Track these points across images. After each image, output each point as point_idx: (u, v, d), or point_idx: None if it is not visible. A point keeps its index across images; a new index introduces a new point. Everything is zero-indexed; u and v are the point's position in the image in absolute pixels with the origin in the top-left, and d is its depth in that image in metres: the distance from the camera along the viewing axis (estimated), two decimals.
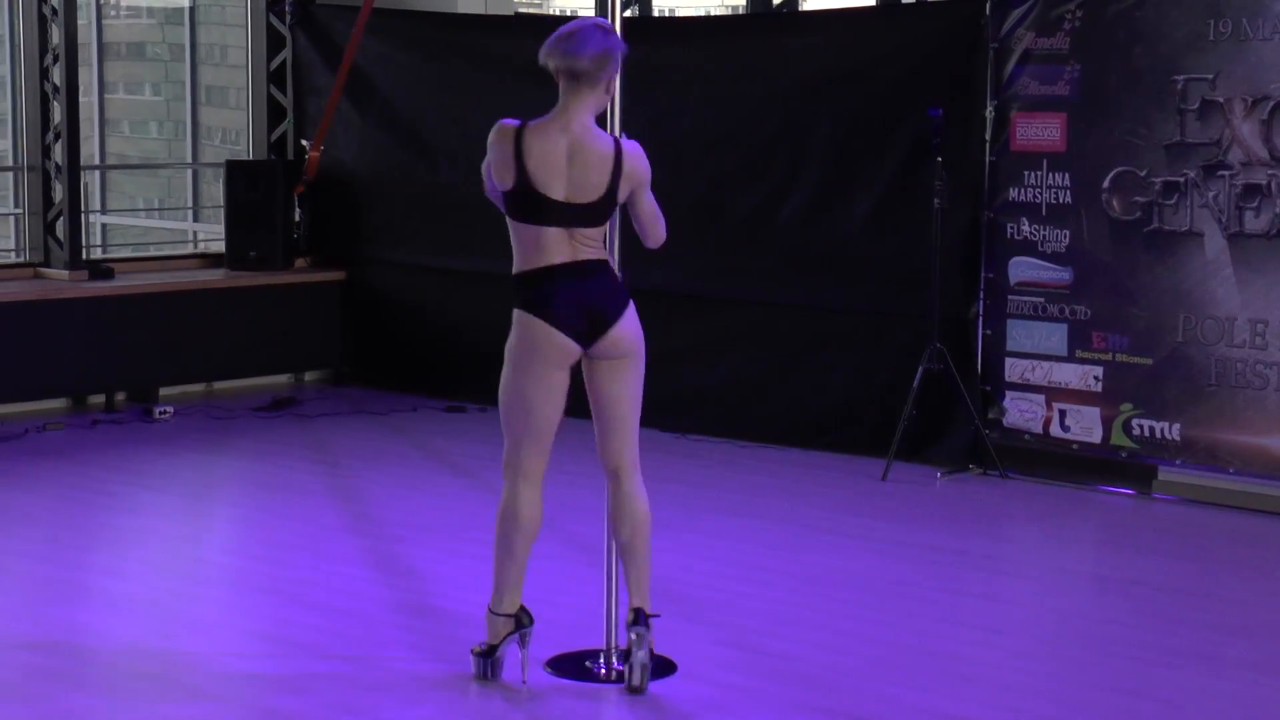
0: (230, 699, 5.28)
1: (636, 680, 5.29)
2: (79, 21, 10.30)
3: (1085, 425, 8.24)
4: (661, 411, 9.25)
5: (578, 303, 5.18)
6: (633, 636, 5.30)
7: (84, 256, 10.35)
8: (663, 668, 5.53)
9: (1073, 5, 8.14)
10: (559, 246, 5.18)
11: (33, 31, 10.09)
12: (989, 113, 8.42)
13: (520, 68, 10.06)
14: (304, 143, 10.94)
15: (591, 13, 12.28)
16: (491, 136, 5.23)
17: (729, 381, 9.38)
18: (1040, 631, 6.18)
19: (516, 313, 5.25)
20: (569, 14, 15.84)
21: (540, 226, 5.17)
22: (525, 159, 5.15)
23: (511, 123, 5.22)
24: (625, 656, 5.39)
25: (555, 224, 5.16)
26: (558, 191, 5.15)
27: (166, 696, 5.30)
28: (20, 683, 5.40)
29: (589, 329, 5.21)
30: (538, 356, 5.21)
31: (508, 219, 5.27)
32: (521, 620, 5.33)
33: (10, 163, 10.61)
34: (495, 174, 5.23)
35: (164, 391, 10.23)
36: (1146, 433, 8.06)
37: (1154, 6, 7.92)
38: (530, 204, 5.17)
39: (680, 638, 5.84)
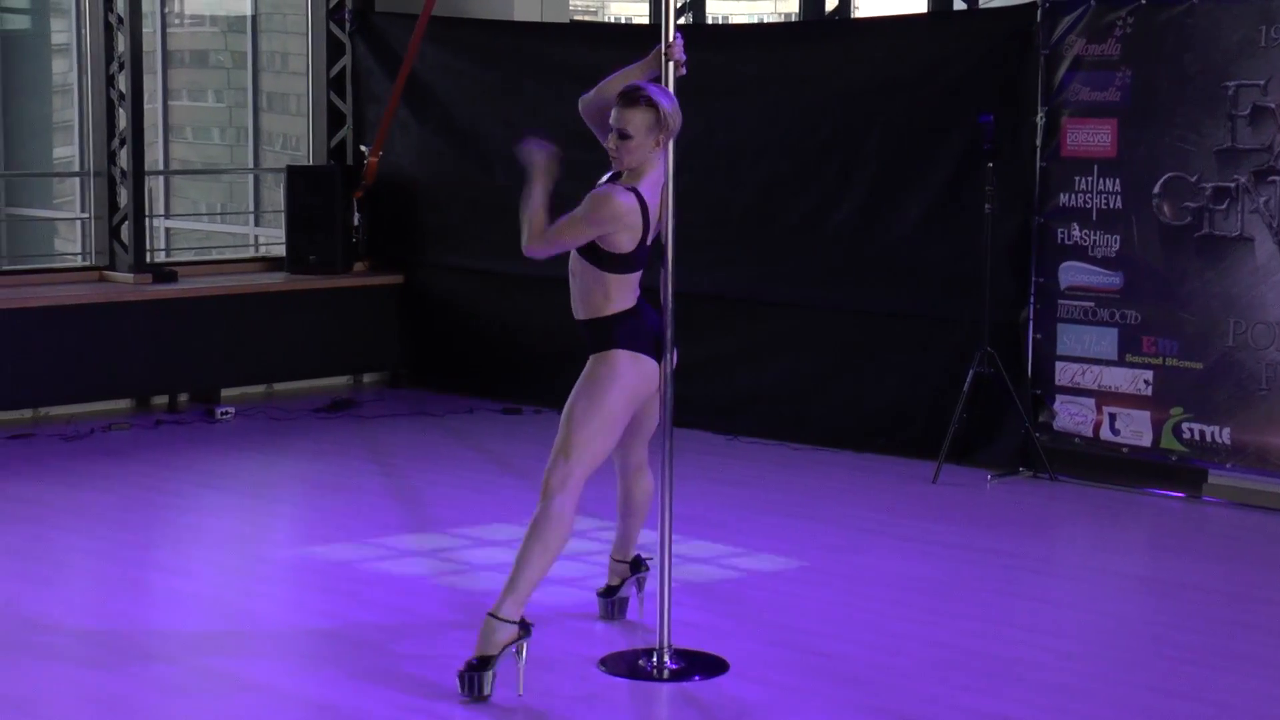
0: (290, 695, 5.38)
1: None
2: (144, 30, 10.47)
3: (1135, 429, 8.27)
4: (714, 414, 9.36)
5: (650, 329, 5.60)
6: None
7: (148, 260, 10.48)
8: (714, 667, 5.61)
9: (1124, 11, 8.17)
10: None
11: (99, 40, 10.25)
12: (1040, 119, 8.46)
13: (575, 74, 10.18)
14: (363, 148, 11.05)
15: (645, 20, 12.37)
16: (614, 208, 5.39)
17: (781, 384, 9.44)
18: (1092, 634, 6.21)
19: (624, 353, 5.48)
20: (624, 20, 15.93)
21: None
22: (649, 215, 5.49)
23: (622, 191, 5.44)
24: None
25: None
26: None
27: (227, 690, 5.40)
28: (83, 675, 5.53)
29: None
30: (642, 390, 5.54)
31: (610, 273, 5.48)
32: (525, 626, 5.37)
33: (77, 168, 10.76)
34: (618, 240, 5.43)
35: (225, 393, 10.36)
36: (1197, 436, 8.09)
37: (1205, 13, 7.94)
38: (651, 253, 5.55)
39: (732, 637, 5.92)
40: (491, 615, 5.31)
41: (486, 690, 5.26)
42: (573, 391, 5.52)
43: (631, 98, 5.42)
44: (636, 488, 5.94)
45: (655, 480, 5.85)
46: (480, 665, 5.27)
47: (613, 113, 5.47)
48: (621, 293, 5.53)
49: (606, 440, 5.48)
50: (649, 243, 5.53)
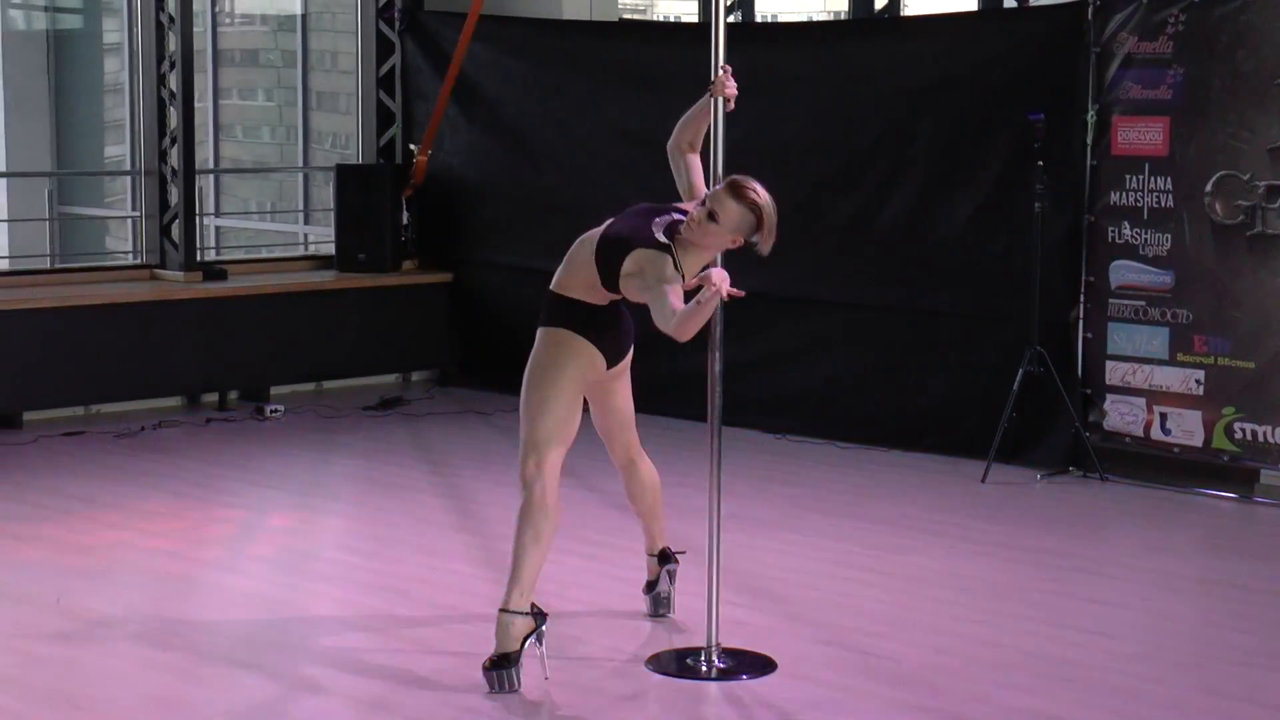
0: (339, 693, 5.40)
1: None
2: (195, 29, 10.54)
3: (1186, 429, 8.23)
4: (763, 413, 9.36)
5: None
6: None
7: (198, 258, 10.56)
8: (763, 666, 5.62)
9: (1176, 9, 8.13)
10: None
11: (150, 39, 10.32)
12: (1090, 117, 8.42)
13: (624, 72, 10.20)
14: (412, 147, 11.09)
15: (695, 19, 12.37)
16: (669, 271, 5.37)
17: (830, 383, 9.44)
18: (1143, 634, 6.19)
19: (562, 332, 5.58)
20: (673, 19, 15.92)
21: None
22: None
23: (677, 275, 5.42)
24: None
25: None
26: None
27: (277, 688, 5.43)
28: (136, 673, 5.57)
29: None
30: (587, 367, 5.62)
31: (609, 291, 5.52)
32: (538, 615, 5.42)
33: (128, 167, 10.84)
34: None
35: (275, 391, 10.41)
36: (1249, 436, 8.04)
37: (1258, 9, 7.89)
38: None
39: (782, 637, 5.93)
40: (502, 610, 5.36)
41: (516, 685, 5.32)
42: (524, 378, 5.59)
43: (740, 192, 5.38)
44: (635, 482, 5.99)
45: (653, 465, 6.00)
46: (503, 662, 5.33)
47: (711, 190, 5.44)
48: (598, 299, 5.56)
49: (567, 419, 5.54)
50: None
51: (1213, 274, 8.10)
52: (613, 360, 5.63)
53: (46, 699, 5.29)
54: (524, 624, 5.36)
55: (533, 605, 5.39)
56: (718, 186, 5.43)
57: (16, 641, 5.86)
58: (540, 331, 5.62)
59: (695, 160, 5.70)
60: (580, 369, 5.56)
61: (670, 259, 5.36)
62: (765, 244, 5.46)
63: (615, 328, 5.62)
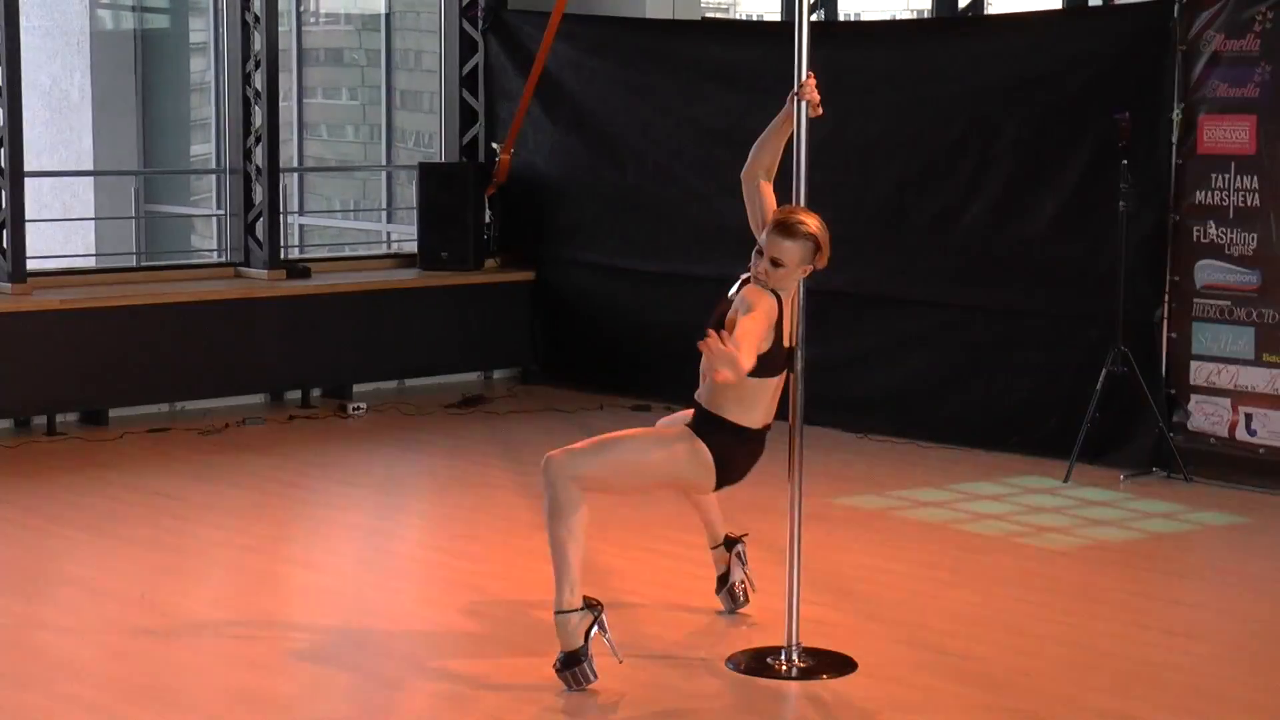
0: (419, 690, 5.44)
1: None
2: (279, 28, 10.62)
3: (1273, 429, 8.14)
4: (845, 412, 9.34)
5: None
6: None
7: (282, 256, 10.62)
8: (843, 666, 5.61)
9: (1263, 6, 8.04)
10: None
11: (236, 38, 10.39)
12: (1176, 115, 8.34)
13: (707, 71, 10.21)
14: (495, 146, 11.13)
15: (778, 17, 12.36)
16: (769, 302, 5.36)
17: (913, 383, 9.40)
18: (1228, 636, 6.14)
19: (703, 449, 5.45)
20: (756, 18, 15.91)
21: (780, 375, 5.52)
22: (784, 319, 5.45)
23: (766, 289, 5.41)
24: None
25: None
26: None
27: (358, 684, 5.47)
28: (220, 668, 5.63)
29: None
30: (683, 481, 5.62)
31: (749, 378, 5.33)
32: (593, 605, 5.39)
33: (213, 165, 10.92)
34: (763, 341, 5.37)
35: (358, 388, 10.44)
36: None
37: None
38: (785, 360, 5.51)
39: (862, 636, 5.91)
40: (557, 612, 5.36)
41: (592, 678, 5.32)
42: (641, 427, 5.61)
43: (790, 230, 5.38)
44: None
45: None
46: (571, 661, 5.32)
47: (766, 236, 5.43)
48: (746, 401, 5.44)
49: (618, 483, 5.56)
50: (784, 346, 5.49)
51: None
52: (720, 486, 5.61)
53: (132, 693, 5.35)
54: (580, 619, 5.34)
55: (585, 597, 5.38)
56: (766, 231, 5.43)
57: (103, 636, 5.93)
58: (686, 431, 5.49)
59: (770, 193, 5.63)
60: (679, 480, 5.60)
61: (764, 289, 5.40)
62: (823, 260, 5.47)
63: (751, 460, 5.55)
